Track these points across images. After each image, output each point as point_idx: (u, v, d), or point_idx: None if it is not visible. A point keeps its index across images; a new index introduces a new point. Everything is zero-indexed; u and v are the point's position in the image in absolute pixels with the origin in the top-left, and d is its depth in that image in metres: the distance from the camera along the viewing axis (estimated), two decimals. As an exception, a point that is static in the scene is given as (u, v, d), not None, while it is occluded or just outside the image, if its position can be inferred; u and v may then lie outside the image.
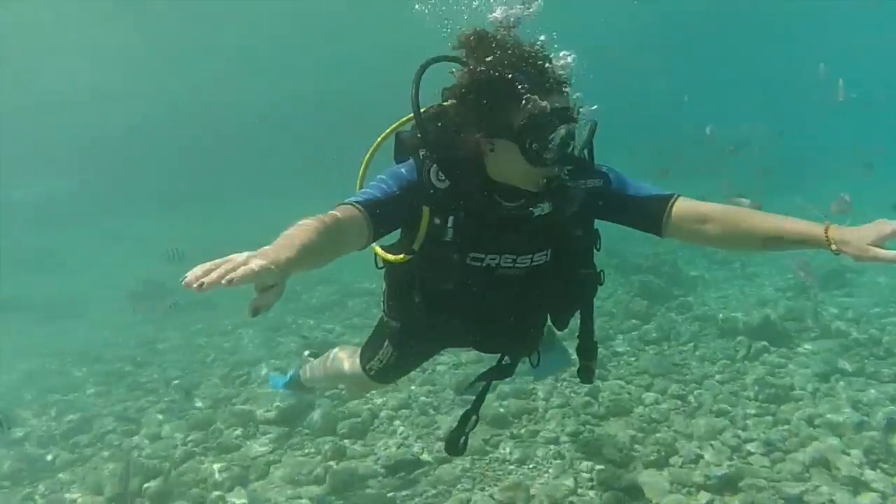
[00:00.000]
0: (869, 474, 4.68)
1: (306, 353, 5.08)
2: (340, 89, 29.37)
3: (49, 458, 6.12)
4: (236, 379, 7.62)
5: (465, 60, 2.40)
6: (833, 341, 7.20)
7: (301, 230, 1.96)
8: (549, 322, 3.15)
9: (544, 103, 2.24)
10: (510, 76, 2.25)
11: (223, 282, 1.53)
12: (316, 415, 5.94)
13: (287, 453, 5.59)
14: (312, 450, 5.57)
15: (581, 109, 2.36)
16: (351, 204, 2.31)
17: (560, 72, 2.33)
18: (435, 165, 2.45)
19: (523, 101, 2.25)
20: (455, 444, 3.28)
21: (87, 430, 6.63)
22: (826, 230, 2.21)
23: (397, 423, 5.87)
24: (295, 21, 21.72)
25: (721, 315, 8.01)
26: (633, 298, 8.57)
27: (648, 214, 2.59)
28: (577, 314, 3.04)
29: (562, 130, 2.25)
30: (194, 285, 1.53)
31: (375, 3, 19.29)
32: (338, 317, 9.72)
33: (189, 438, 6.06)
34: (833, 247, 2.17)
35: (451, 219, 2.46)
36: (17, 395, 8.23)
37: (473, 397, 3.31)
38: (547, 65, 2.31)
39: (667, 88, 27.55)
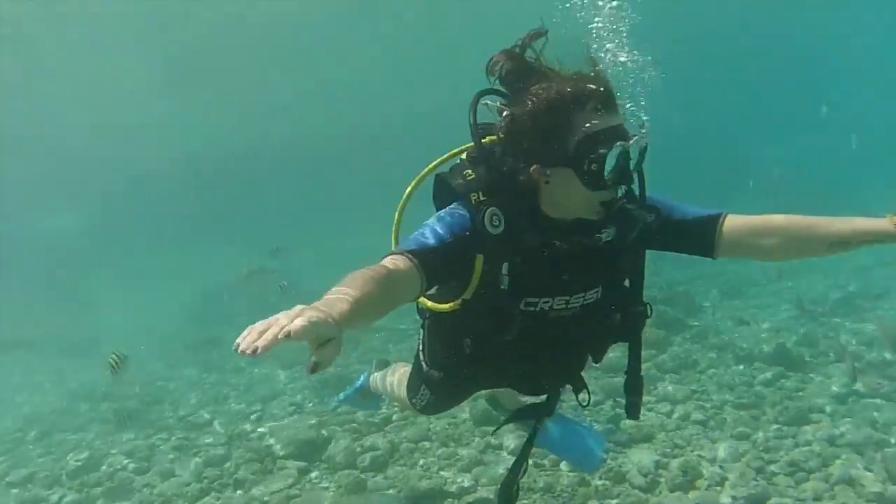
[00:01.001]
0: (892, 490, 4.76)
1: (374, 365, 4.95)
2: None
3: (55, 498, 6.24)
4: (251, 415, 7.75)
5: (508, 91, 2.33)
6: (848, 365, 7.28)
7: (353, 283, 1.84)
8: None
9: (598, 121, 2.15)
10: (559, 98, 2.17)
11: (280, 336, 1.41)
12: (335, 448, 6.06)
13: (306, 488, 5.68)
14: (332, 484, 5.66)
15: (638, 125, 2.28)
16: (401, 253, 2.15)
17: (611, 85, 2.23)
18: (490, 209, 2.28)
19: (576, 122, 2.16)
20: (508, 492, 3.21)
21: (95, 469, 6.72)
22: (894, 222, 2.23)
23: (417, 455, 5.97)
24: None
25: (737, 343, 8.12)
26: (650, 328, 8.63)
27: (699, 237, 2.50)
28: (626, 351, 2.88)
29: (618, 149, 2.15)
30: (248, 351, 1.40)
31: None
32: (352, 353, 9.77)
33: (203, 475, 6.15)
34: None
35: (505, 265, 2.32)
36: (20, 435, 8.42)
37: (502, 428, 3.29)
38: (596, 80, 2.21)
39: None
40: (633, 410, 2.91)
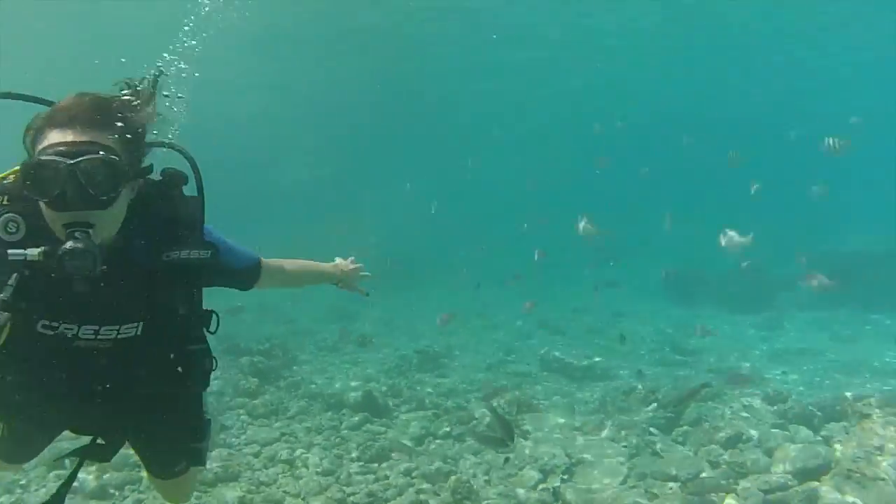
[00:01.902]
0: (457, 508, 5.19)
1: None
2: None
3: None
4: None
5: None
6: (427, 411, 7.88)
7: None
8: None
9: (48, 138, 2.07)
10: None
11: None
12: None
13: None
14: None
15: (121, 153, 2.11)
16: None
17: (92, 108, 2.10)
18: (8, 214, 2.14)
19: (37, 137, 2.09)
20: None
21: None
22: (340, 274, 3.30)
23: (-32, 502, 5.08)
24: None
25: (328, 391, 8.35)
26: (245, 377, 8.54)
27: (246, 278, 2.75)
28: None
29: (60, 166, 2.01)
30: None
31: None
32: None
33: None
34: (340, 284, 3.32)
35: (15, 276, 2.14)
36: None
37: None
38: (70, 100, 2.12)
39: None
40: (198, 457, 2.82)
